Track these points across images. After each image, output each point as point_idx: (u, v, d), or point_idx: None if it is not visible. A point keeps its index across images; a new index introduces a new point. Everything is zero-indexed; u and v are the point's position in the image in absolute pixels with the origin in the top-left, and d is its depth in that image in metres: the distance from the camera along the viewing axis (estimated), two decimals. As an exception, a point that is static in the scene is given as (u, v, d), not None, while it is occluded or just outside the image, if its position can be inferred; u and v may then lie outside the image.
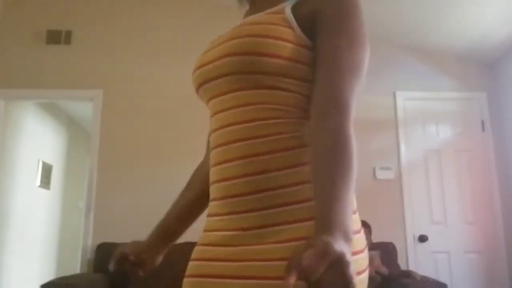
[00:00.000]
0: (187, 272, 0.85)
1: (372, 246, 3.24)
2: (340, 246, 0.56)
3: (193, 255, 0.86)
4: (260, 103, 0.80)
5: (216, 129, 0.85)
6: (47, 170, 5.52)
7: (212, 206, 0.85)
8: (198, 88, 0.91)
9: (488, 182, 3.81)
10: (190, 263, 0.86)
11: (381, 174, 3.78)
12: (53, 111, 5.75)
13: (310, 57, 0.80)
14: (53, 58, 3.95)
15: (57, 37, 3.99)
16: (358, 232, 0.77)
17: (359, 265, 0.74)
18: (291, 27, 0.80)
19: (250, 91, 0.80)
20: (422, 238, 3.68)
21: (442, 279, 3.59)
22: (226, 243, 0.79)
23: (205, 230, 0.86)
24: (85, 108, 5.55)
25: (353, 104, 0.77)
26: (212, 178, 0.85)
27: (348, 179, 0.67)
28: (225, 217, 0.80)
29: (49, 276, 5.59)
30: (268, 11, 0.87)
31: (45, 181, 5.48)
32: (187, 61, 3.97)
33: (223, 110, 0.84)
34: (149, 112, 3.86)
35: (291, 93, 0.80)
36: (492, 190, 3.79)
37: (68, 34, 4.00)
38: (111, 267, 0.98)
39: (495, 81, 4.00)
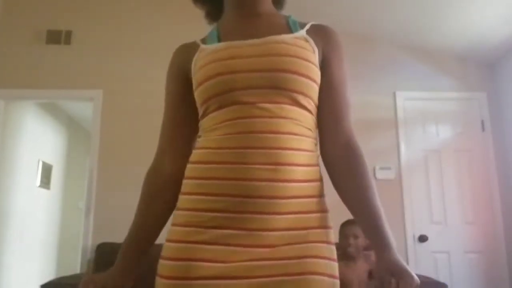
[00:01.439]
0: (169, 273, 0.84)
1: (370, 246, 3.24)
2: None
3: (177, 253, 0.85)
4: (292, 119, 0.88)
5: (237, 133, 0.86)
6: (47, 170, 5.52)
7: (204, 201, 0.84)
8: (219, 94, 0.90)
9: (488, 182, 3.81)
10: (171, 263, 0.84)
11: (381, 174, 3.78)
12: (53, 111, 5.75)
13: (319, 81, 0.94)
14: (53, 58, 3.95)
15: (57, 37, 3.99)
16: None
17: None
18: (314, 52, 0.93)
19: (286, 106, 0.88)
20: (422, 238, 3.68)
21: (442, 279, 3.59)
22: (227, 243, 0.85)
23: (193, 225, 0.85)
24: (85, 108, 5.55)
25: None
26: (216, 173, 0.84)
27: None
28: (227, 214, 0.85)
29: (49, 276, 5.59)
30: (293, 35, 0.94)
31: (45, 181, 5.48)
32: (187, 61, 3.98)
33: (252, 117, 0.86)
34: (149, 112, 3.85)
35: (312, 115, 0.93)
36: (492, 190, 3.79)
37: (68, 34, 4.00)
38: None
39: (495, 81, 4.00)
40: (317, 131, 0.97)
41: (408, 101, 3.96)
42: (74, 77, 3.91)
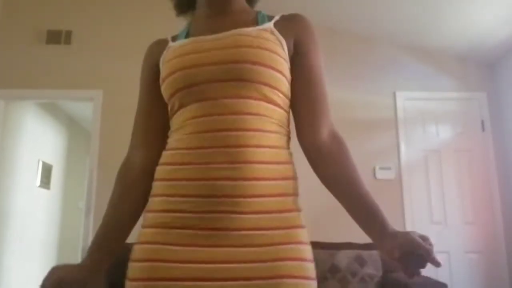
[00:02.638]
0: (137, 275, 0.82)
1: (372, 246, 3.24)
2: None
3: (143, 254, 0.83)
4: (261, 115, 0.85)
5: (200, 132, 0.85)
6: (47, 170, 5.52)
7: (173, 202, 0.84)
8: (181, 89, 0.89)
9: (488, 182, 3.81)
10: (139, 264, 0.83)
11: (381, 174, 3.78)
12: (53, 111, 5.75)
13: (289, 73, 0.91)
14: (53, 58, 3.95)
15: (57, 37, 3.99)
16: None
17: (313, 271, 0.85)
18: (282, 47, 0.90)
19: (251, 101, 0.85)
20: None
21: (442, 279, 3.58)
22: (192, 243, 0.82)
23: (160, 226, 0.84)
24: (85, 108, 5.55)
25: None
26: (181, 174, 0.84)
27: None
28: (194, 215, 0.82)
29: (49, 276, 5.59)
30: (258, 27, 0.92)
31: (45, 181, 5.48)
32: (187, 61, 3.98)
33: (216, 114, 0.85)
34: (149, 112, 3.86)
35: (281, 109, 0.90)
36: (492, 190, 3.79)
37: (68, 34, 4.00)
38: None
39: (495, 81, 4.00)
40: (293, 125, 0.94)
41: (408, 101, 3.96)
42: (74, 77, 3.91)
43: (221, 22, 0.97)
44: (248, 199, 0.80)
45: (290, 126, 0.94)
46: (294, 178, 0.89)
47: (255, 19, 0.96)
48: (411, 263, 0.75)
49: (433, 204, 3.77)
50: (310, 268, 0.83)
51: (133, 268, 0.83)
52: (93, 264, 0.89)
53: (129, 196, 0.97)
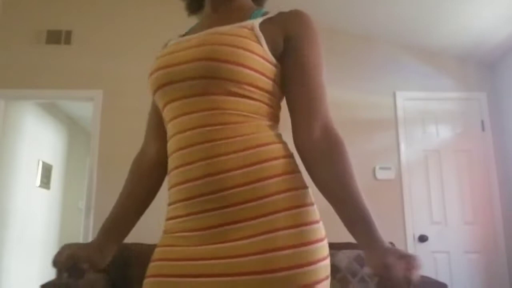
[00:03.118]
0: (148, 273, 0.88)
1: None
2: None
3: (155, 256, 0.89)
4: (225, 109, 0.84)
5: (177, 133, 0.88)
6: (47, 170, 5.52)
7: (173, 209, 0.89)
8: (158, 89, 0.92)
9: (488, 182, 3.81)
10: (151, 264, 0.88)
11: (381, 174, 3.78)
12: (53, 111, 5.75)
13: (274, 73, 0.89)
14: (53, 58, 3.95)
15: (57, 37, 3.99)
16: (316, 222, 0.86)
17: (320, 272, 0.79)
18: (259, 43, 0.87)
19: (216, 97, 0.85)
20: (422, 238, 3.68)
21: (442, 279, 3.59)
22: (190, 244, 0.83)
23: (167, 232, 0.90)
24: (85, 108, 5.55)
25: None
26: (172, 181, 0.88)
27: None
28: (187, 218, 0.84)
29: (49, 276, 5.59)
30: (237, 24, 0.92)
31: (45, 181, 5.48)
32: (187, 61, 3.98)
33: (185, 114, 0.87)
34: (149, 112, 3.85)
35: (255, 101, 0.87)
36: (492, 190, 3.79)
37: (68, 34, 4.00)
38: (65, 278, 0.91)
39: (495, 81, 4.00)
40: (292, 120, 0.92)
41: (408, 101, 3.96)
42: (74, 77, 3.91)
43: (216, 20, 0.98)
44: (225, 192, 0.80)
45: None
46: (279, 157, 0.84)
47: (248, 16, 0.95)
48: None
49: (433, 204, 3.77)
50: (306, 252, 0.79)
51: (148, 267, 0.90)
52: (101, 244, 0.96)
53: (142, 183, 1.05)
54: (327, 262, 0.83)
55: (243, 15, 0.96)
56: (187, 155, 0.84)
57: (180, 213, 0.86)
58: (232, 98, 0.85)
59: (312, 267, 0.78)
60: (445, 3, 3.34)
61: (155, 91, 0.93)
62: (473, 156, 3.86)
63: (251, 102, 0.87)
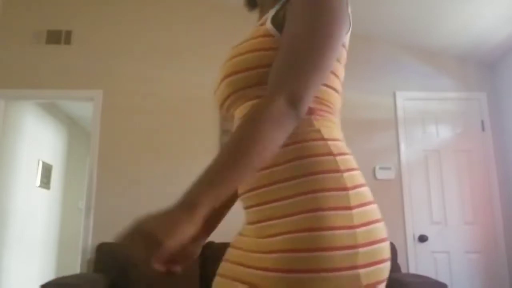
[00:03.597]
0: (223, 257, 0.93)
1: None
2: (155, 223, 0.61)
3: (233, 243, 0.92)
4: None
5: None
6: (47, 170, 5.52)
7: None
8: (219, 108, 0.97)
9: (488, 182, 3.81)
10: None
11: (381, 174, 3.78)
12: (53, 111, 5.75)
13: None
14: (53, 58, 3.95)
15: (57, 37, 3.99)
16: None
17: (324, 261, 0.71)
18: (271, 35, 0.83)
19: (244, 105, 0.86)
20: (422, 238, 3.68)
21: (442, 279, 3.59)
22: (245, 234, 0.86)
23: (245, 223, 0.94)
24: (85, 108, 5.55)
25: (301, 92, 0.73)
26: None
27: (235, 150, 0.69)
28: (245, 211, 0.87)
29: (49, 276, 5.59)
30: (258, 23, 0.91)
31: (45, 181, 5.48)
32: (187, 61, 3.98)
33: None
34: (149, 112, 3.86)
35: None
36: (492, 190, 3.79)
37: (68, 34, 4.00)
38: (160, 267, 0.88)
39: (495, 81, 4.00)
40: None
41: (408, 101, 3.96)
42: (74, 77, 3.91)
43: (259, 18, 0.99)
44: (253, 192, 0.82)
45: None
46: (302, 157, 0.78)
47: (273, 8, 0.91)
48: None
49: (433, 204, 3.77)
50: (301, 259, 0.72)
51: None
52: (196, 234, 0.96)
53: None
54: (342, 273, 0.71)
55: (271, 9, 0.93)
56: None
57: (242, 205, 0.90)
58: (255, 101, 0.85)
59: (311, 275, 0.71)
60: (445, 3, 3.34)
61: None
62: (473, 156, 3.86)
63: None
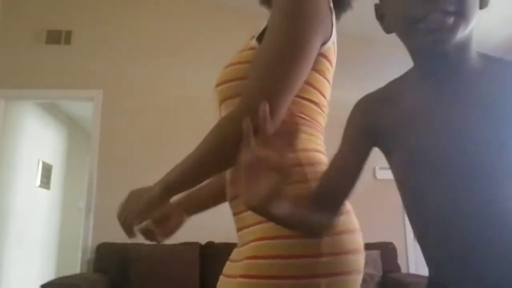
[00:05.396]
0: None
1: (372, 246, 3.24)
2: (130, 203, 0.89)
3: None
4: None
5: None
6: (47, 170, 5.52)
7: None
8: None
9: (488, 182, 3.81)
10: None
11: (381, 174, 3.77)
12: (53, 111, 5.75)
13: None
14: (53, 58, 3.95)
15: (57, 37, 3.99)
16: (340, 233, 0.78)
17: (285, 269, 0.72)
18: (254, 48, 0.84)
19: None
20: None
21: (442, 279, 3.58)
22: (238, 246, 0.89)
23: None
24: (85, 108, 5.55)
25: (267, 98, 0.70)
26: None
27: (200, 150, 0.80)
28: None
29: (49, 276, 5.59)
30: (252, 35, 0.92)
31: (45, 181, 5.48)
32: (187, 61, 3.98)
33: None
34: (149, 112, 3.86)
35: None
36: (492, 190, 3.79)
37: (68, 34, 4.00)
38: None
39: (495, 81, 4.00)
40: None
41: (408, 101, 3.96)
42: (74, 77, 3.91)
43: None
44: (236, 200, 0.86)
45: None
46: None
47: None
48: None
49: (433, 204, 3.77)
50: (262, 266, 0.76)
51: None
52: (182, 202, 1.04)
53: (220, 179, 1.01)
54: (301, 282, 0.73)
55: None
56: None
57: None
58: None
59: (258, 281, 0.74)
60: (445, 3, 3.34)
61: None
62: (473, 156, 3.86)
63: None
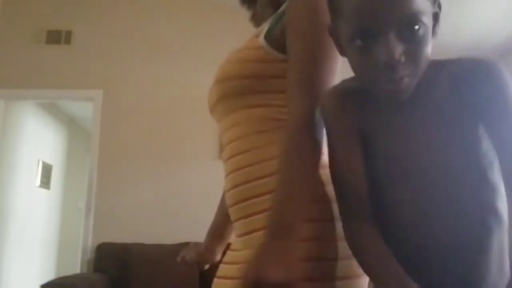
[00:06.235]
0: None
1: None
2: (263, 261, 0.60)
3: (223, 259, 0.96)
4: (241, 123, 0.86)
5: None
6: (47, 170, 5.52)
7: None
8: (210, 108, 1.00)
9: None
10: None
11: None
12: (53, 111, 5.75)
13: (283, 69, 0.83)
14: (53, 58, 3.95)
15: (57, 37, 3.99)
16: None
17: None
18: (261, 47, 0.85)
19: (232, 114, 0.88)
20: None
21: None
22: (234, 248, 0.89)
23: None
24: (85, 108, 5.55)
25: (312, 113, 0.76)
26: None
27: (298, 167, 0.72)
28: (233, 224, 0.90)
29: (49, 276, 5.59)
30: (253, 33, 0.93)
31: (45, 181, 5.48)
32: (187, 61, 3.97)
33: (221, 133, 0.95)
34: (149, 112, 3.86)
35: (271, 108, 0.84)
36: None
37: (68, 34, 4.00)
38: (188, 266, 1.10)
39: (495, 81, 4.00)
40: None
41: (408, 101, 3.96)
42: (74, 77, 3.91)
43: (254, 30, 1.01)
44: (240, 205, 0.85)
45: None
46: (271, 174, 0.80)
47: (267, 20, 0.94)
48: None
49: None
50: None
51: None
52: (208, 244, 1.09)
53: None
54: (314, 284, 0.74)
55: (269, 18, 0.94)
56: (225, 168, 0.92)
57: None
58: (244, 111, 0.86)
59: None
60: (445, 3, 3.33)
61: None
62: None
63: (264, 109, 0.85)
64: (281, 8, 0.90)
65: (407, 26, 0.60)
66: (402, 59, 0.60)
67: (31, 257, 5.15)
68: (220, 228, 1.10)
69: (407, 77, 0.62)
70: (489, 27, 3.53)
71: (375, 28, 0.60)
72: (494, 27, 3.52)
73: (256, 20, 1.07)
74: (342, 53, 0.70)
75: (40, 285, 2.72)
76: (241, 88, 0.85)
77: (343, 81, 0.75)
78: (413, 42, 0.61)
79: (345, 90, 0.74)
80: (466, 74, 0.65)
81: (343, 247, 0.74)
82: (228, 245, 0.97)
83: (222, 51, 4.24)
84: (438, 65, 0.69)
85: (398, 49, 0.59)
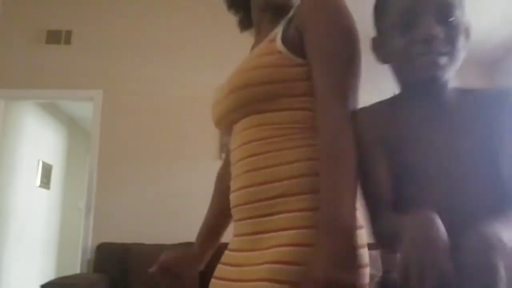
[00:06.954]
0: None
1: (371, 246, 3.24)
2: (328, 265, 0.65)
3: (221, 259, 0.96)
4: (261, 125, 0.86)
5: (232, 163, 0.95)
6: (47, 170, 5.52)
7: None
8: (216, 120, 0.99)
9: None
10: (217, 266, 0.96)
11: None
12: (53, 111, 5.75)
13: (304, 72, 0.84)
14: (53, 58, 3.95)
15: (57, 37, 3.98)
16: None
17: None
18: (279, 52, 0.85)
19: (248, 117, 0.87)
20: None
21: (442, 279, 3.58)
22: (233, 248, 0.89)
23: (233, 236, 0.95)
24: (85, 108, 5.54)
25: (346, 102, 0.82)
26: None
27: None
28: (236, 223, 0.90)
29: (49, 276, 5.59)
30: (266, 39, 0.91)
31: (45, 181, 5.48)
32: (187, 61, 3.97)
33: (234, 149, 0.93)
34: (149, 112, 3.85)
35: (290, 111, 0.85)
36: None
37: (68, 34, 4.00)
38: (154, 276, 1.06)
39: (495, 81, 4.00)
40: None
41: (408, 101, 3.96)
42: (74, 77, 3.91)
43: (257, 38, 1.00)
44: (250, 205, 0.85)
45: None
46: (305, 175, 0.81)
47: (278, 25, 0.93)
48: None
49: (433, 204, 3.77)
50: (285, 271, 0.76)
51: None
52: (198, 253, 1.09)
53: (222, 199, 1.06)
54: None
55: (275, 26, 0.93)
56: (234, 169, 0.92)
57: (234, 218, 0.93)
58: (263, 115, 0.86)
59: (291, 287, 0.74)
60: (445, 3, 3.34)
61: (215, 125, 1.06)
62: (473, 156, 3.86)
63: (287, 113, 0.85)
64: (291, 12, 0.91)
65: (444, 14, 0.71)
66: (440, 35, 0.69)
67: (31, 257, 5.15)
68: (213, 229, 1.10)
69: (444, 56, 0.71)
70: (489, 27, 3.53)
71: (417, 8, 0.70)
72: (494, 27, 3.52)
73: (246, 25, 1.08)
74: (382, 58, 0.80)
75: (40, 285, 2.72)
76: (262, 95, 0.85)
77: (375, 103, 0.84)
78: (449, 28, 0.72)
79: (376, 105, 0.83)
80: (492, 101, 0.74)
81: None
82: (225, 245, 0.96)
83: (222, 51, 4.25)
84: (465, 91, 0.78)
85: (436, 28, 0.69)
